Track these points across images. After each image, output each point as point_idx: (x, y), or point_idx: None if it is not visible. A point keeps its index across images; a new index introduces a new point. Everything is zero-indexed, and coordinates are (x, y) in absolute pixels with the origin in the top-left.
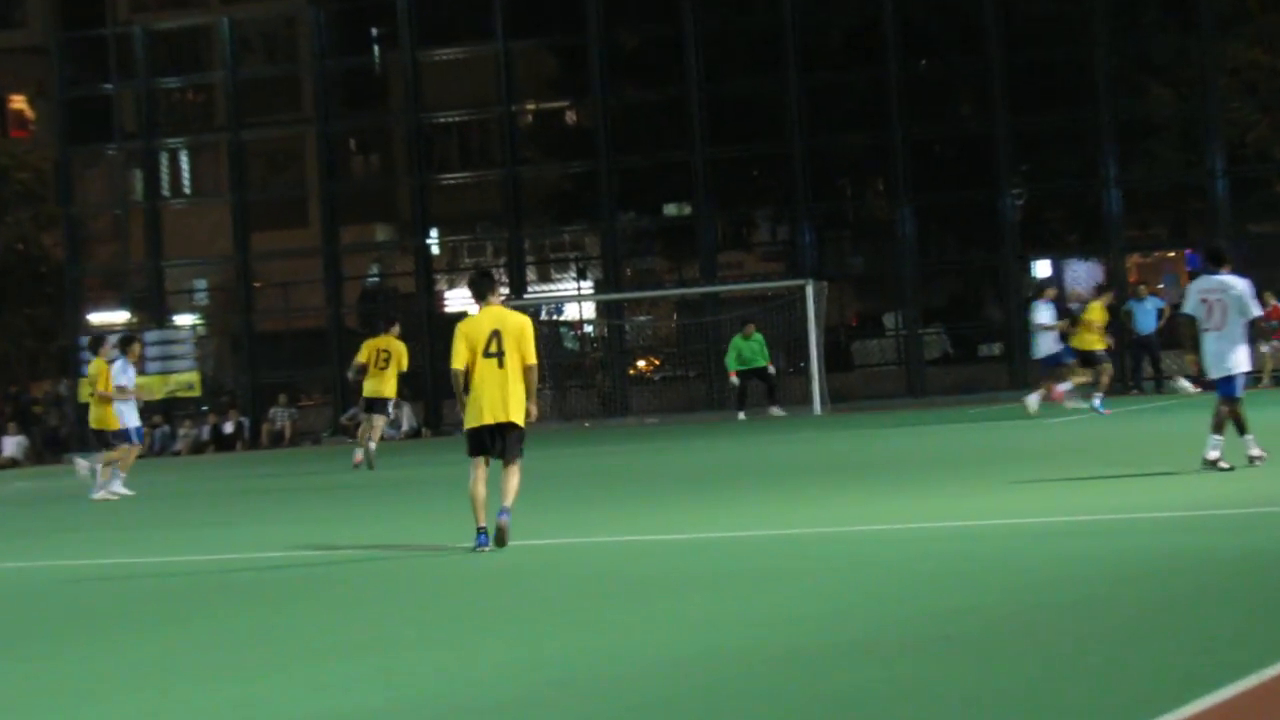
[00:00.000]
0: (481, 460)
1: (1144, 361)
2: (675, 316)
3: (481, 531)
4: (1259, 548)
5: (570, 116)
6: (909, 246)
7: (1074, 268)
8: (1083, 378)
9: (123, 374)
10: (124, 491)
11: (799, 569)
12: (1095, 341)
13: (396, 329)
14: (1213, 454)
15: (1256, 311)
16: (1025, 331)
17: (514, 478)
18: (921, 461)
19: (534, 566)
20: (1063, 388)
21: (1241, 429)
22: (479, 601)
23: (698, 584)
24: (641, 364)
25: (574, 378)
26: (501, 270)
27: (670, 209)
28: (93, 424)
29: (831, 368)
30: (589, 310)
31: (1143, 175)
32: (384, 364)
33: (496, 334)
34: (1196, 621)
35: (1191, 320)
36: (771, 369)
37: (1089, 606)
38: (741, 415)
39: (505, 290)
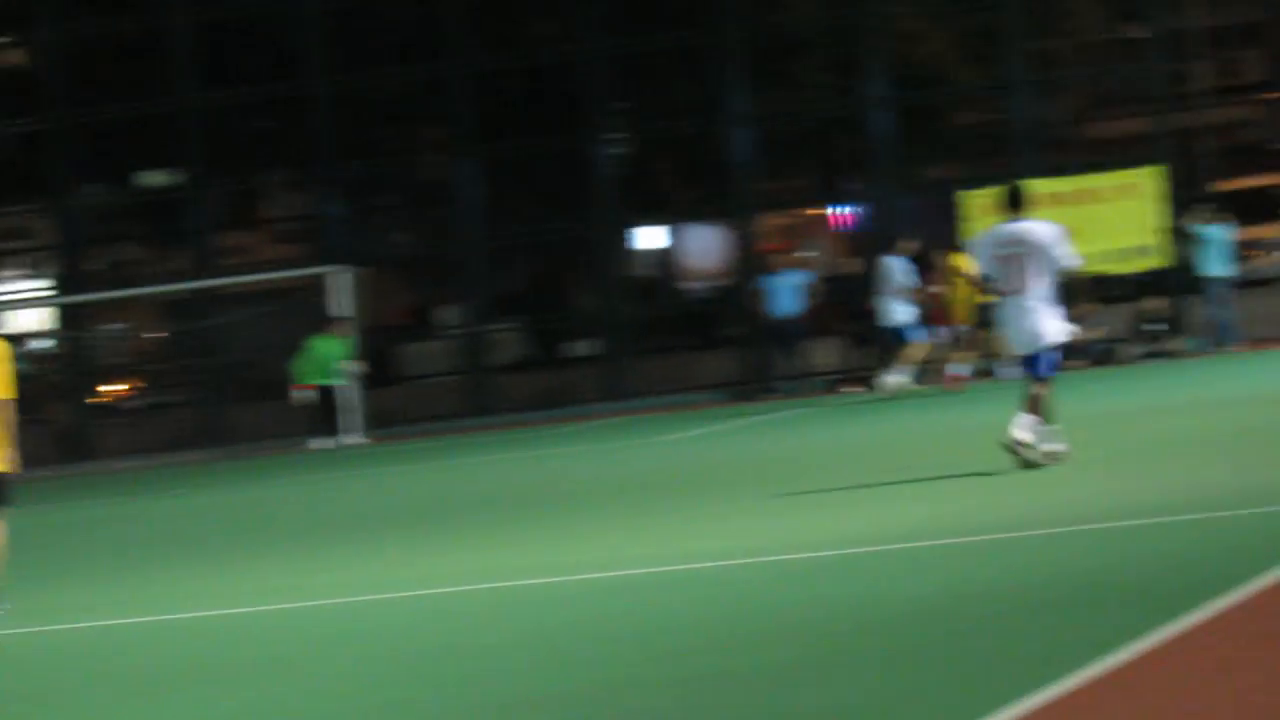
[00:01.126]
0: None
1: (779, 354)
2: (161, 323)
3: None
4: (909, 593)
5: (10, 57)
6: (473, 215)
7: (693, 234)
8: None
9: None
10: None
11: (326, 652)
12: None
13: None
14: (1051, 445)
15: (1072, 262)
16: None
17: None
18: (485, 502)
19: None
20: (957, 370)
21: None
22: None
23: (164, 681)
24: (114, 388)
25: (20, 411)
26: None
27: (151, 177)
28: None
29: (372, 381)
30: (41, 319)
31: (781, 109)
32: None
33: None
34: (825, 690)
35: (989, 281)
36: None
37: (700, 685)
38: (334, 442)
39: None
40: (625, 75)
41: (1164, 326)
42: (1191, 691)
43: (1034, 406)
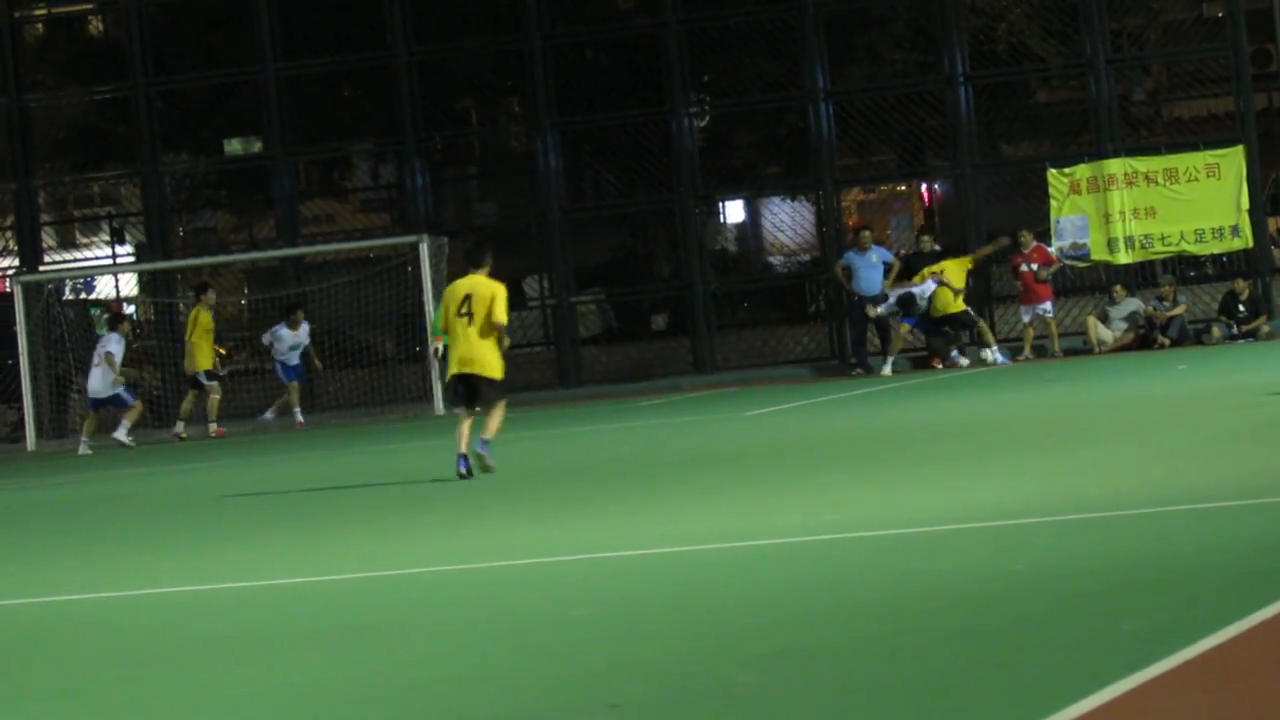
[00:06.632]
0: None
1: (868, 331)
2: (246, 290)
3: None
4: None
5: (95, 25)
6: (555, 186)
7: (776, 209)
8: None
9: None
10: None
11: (417, 620)
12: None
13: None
14: None
15: None
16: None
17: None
18: (574, 474)
19: None
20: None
21: None
22: None
23: (257, 647)
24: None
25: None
26: (8, 235)
27: (234, 145)
28: None
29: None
30: (129, 284)
31: (862, 84)
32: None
33: (468, 297)
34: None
35: None
36: None
37: (790, 658)
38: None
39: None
40: (704, 48)
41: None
42: None
43: None
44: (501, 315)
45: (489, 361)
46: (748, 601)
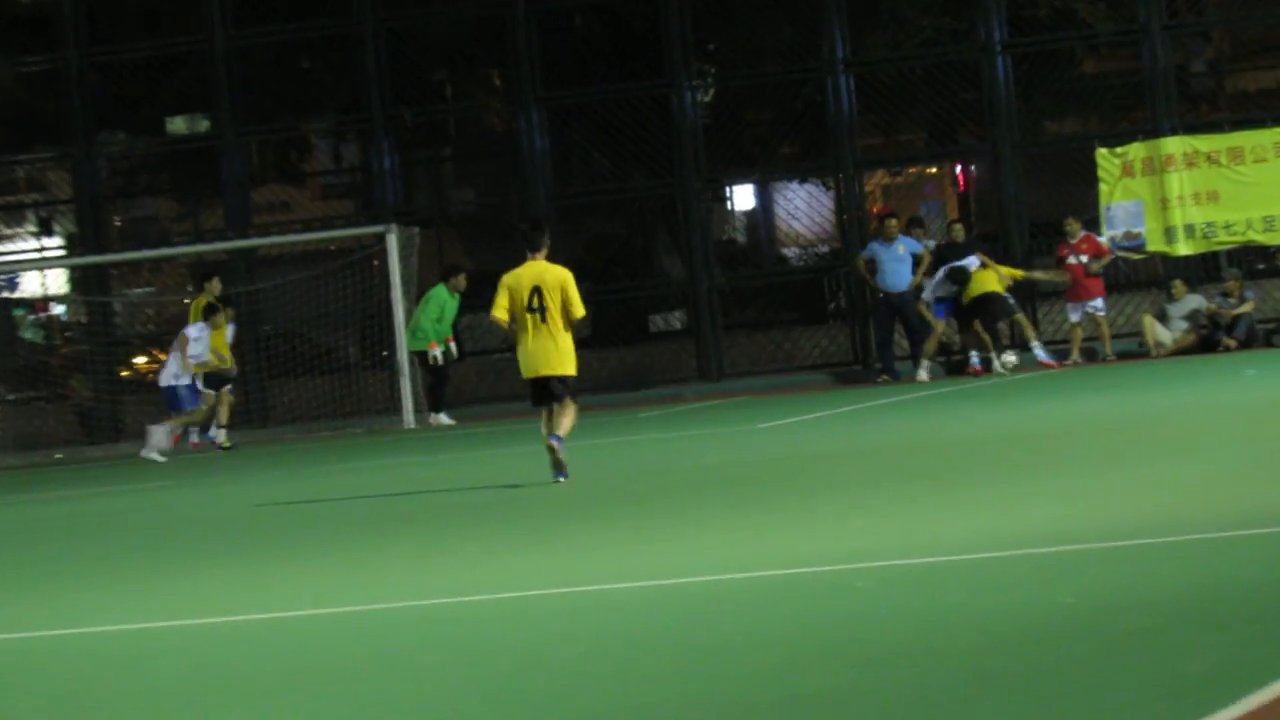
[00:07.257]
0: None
1: (895, 332)
2: (189, 288)
3: None
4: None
5: None
6: (540, 170)
7: (790, 194)
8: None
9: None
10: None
11: (388, 663)
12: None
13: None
14: None
15: None
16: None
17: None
18: (562, 496)
19: None
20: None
21: None
22: None
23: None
24: (141, 361)
25: (38, 385)
26: None
27: (178, 124)
28: None
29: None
30: (57, 281)
31: (887, 53)
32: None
33: (537, 289)
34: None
35: None
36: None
37: (806, 705)
38: (444, 418)
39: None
40: (710, 14)
41: None
42: None
43: None
44: (579, 309)
45: (566, 358)
46: (758, 640)
